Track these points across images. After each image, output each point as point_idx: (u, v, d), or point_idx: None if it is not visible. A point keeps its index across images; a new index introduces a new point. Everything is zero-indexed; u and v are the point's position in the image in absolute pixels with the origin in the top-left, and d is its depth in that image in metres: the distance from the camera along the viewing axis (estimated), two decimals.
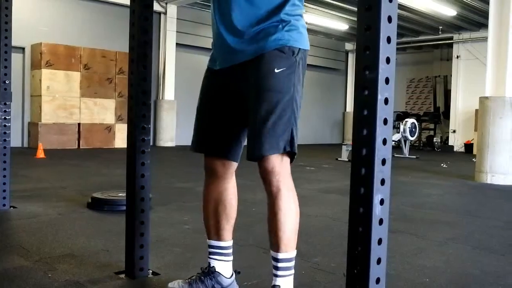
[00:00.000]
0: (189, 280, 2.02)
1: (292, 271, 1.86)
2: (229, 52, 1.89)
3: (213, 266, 2.03)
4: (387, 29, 1.21)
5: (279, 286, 1.82)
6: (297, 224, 1.83)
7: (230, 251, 2.07)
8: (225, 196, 2.04)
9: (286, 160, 1.80)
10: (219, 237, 2.05)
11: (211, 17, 1.97)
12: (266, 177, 1.80)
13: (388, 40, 1.22)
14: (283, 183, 1.79)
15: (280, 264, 1.82)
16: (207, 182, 2.08)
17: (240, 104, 1.94)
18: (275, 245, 1.82)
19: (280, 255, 1.81)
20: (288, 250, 1.82)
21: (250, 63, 1.84)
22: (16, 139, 9.83)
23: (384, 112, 1.23)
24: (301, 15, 1.90)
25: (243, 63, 1.86)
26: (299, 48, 1.84)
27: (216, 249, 2.05)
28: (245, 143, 2.00)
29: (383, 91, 1.22)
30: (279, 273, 1.82)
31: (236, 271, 2.10)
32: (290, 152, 1.79)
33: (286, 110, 1.77)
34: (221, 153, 2.00)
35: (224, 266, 2.04)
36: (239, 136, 2.00)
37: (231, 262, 2.07)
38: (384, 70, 1.21)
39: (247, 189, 5.34)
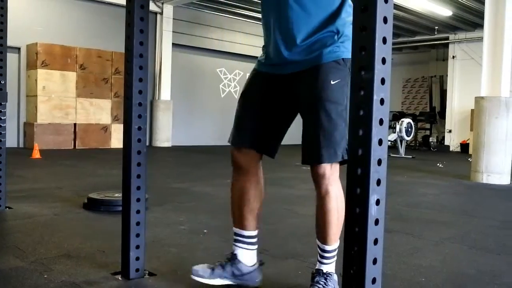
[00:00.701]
0: (212, 266, 2.12)
1: (335, 258, 2.04)
2: (285, 62, 2.01)
3: (235, 254, 2.13)
4: (383, 30, 1.21)
5: (322, 270, 2.02)
6: (342, 221, 1.96)
7: (253, 240, 2.16)
8: (249, 189, 2.14)
9: (336, 165, 1.96)
10: (242, 226, 2.15)
11: (265, 25, 2.08)
12: (317, 180, 1.97)
13: (384, 40, 1.22)
14: (331, 186, 1.96)
15: (326, 254, 2.02)
16: (234, 174, 2.19)
17: (288, 108, 2.09)
18: (322, 238, 2.01)
19: (327, 247, 2.01)
20: (333, 243, 2.01)
21: (306, 72, 1.97)
22: (11, 140, 9.79)
23: (380, 112, 1.23)
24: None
25: (299, 72, 1.99)
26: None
27: (239, 237, 2.16)
28: (279, 142, 2.18)
29: (379, 92, 1.22)
30: (324, 261, 2.03)
31: (261, 262, 2.19)
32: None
33: (341, 120, 1.91)
34: (251, 144, 2.10)
35: (246, 254, 2.13)
36: (279, 136, 2.15)
37: (255, 251, 2.16)
38: (380, 70, 1.22)
39: None
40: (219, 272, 2.08)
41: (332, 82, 1.91)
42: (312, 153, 1.93)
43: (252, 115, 2.11)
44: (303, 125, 2.00)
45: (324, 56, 1.94)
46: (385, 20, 1.22)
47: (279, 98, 2.08)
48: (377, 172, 1.24)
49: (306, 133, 1.98)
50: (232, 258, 2.12)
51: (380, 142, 1.24)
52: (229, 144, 2.16)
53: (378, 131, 1.23)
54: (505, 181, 6.75)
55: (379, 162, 1.24)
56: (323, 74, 1.93)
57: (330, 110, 1.90)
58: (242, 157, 2.12)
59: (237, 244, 2.15)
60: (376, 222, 1.25)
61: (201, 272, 2.08)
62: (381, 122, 1.23)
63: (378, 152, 1.24)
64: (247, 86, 2.17)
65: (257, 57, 2.24)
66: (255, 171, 2.15)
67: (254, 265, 2.14)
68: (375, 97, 1.22)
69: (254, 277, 2.13)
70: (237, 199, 2.17)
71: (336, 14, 1.95)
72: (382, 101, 1.23)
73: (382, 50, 1.22)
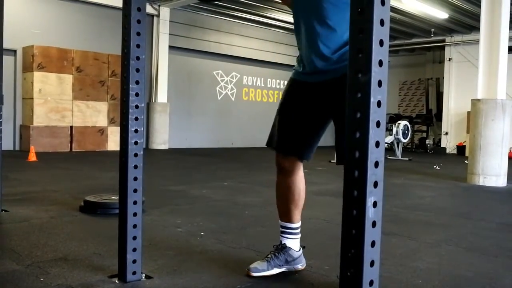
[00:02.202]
0: (266, 258, 2.41)
1: None
2: (318, 73, 2.27)
3: (284, 243, 2.44)
4: (380, 32, 1.22)
5: None
6: None
7: (298, 230, 2.48)
8: (294, 187, 2.44)
9: None
10: (289, 220, 2.45)
11: (298, 39, 2.35)
12: None
13: (381, 43, 1.22)
14: None
15: None
16: (279, 175, 2.47)
17: (322, 114, 2.32)
18: None
19: None
20: None
21: (337, 80, 2.18)
22: (7, 142, 9.76)
23: (376, 115, 1.23)
24: None
25: (331, 80, 2.22)
26: None
27: (287, 229, 2.46)
28: (316, 146, 2.43)
29: (376, 94, 1.23)
30: None
31: (303, 246, 2.51)
32: None
33: None
34: (298, 154, 2.39)
35: (293, 243, 2.45)
36: (315, 140, 2.40)
37: (298, 240, 2.48)
38: (377, 73, 1.22)
39: (239, 191, 5.34)
40: (275, 262, 2.39)
41: None
42: None
43: (293, 124, 2.37)
44: (336, 129, 2.24)
45: None
46: (382, 22, 1.22)
47: (314, 105, 2.31)
48: (374, 174, 1.24)
49: (341, 136, 2.19)
50: (283, 247, 2.43)
51: (377, 144, 1.24)
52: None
53: (375, 134, 1.23)
54: (501, 183, 6.76)
55: (376, 164, 1.25)
56: None
57: None
58: (286, 161, 2.41)
59: (285, 235, 2.46)
60: (374, 224, 1.25)
61: (260, 268, 2.37)
62: (378, 124, 1.24)
63: (375, 154, 1.24)
64: (285, 95, 2.42)
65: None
66: (297, 171, 2.44)
67: (299, 250, 2.47)
68: (372, 99, 1.22)
69: (302, 260, 2.48)
70: (283, 197, 2.46)
71: None
72: (379, 104, 1.23)
73: (379, 53, 1.22)
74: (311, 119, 2.34)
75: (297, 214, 2.46)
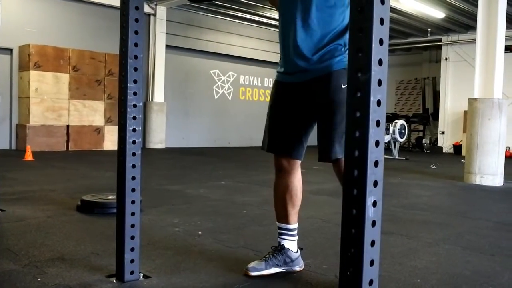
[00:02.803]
0: (264, 258, 2.41)
1: None
2: (298, 72, 2.30)
3: (283, 244, 2.44)
4: (380, 31, 1.21)
5: None
6: None
7: (296, 232, 2.48)
8: (291, 188, 2.44)
9: None
10: (286, 221, 2.46)
11: (280, 39, 2.37)
12: (341, 175, 2.19)
13: (381, 42, 1.22)
14: None
15: None
16: (277, 176, 2.48)
17: (306, 113, 2.34)
18: None
19: None
20: None
21: (319, 79, 2.24)
22: (3, 142, 9.72)
23: (376, 114, 1.23)
24: None
25: (312, 79, 2.26)
26: None
27: (284, 230, 2.47)
28: (307, 144, 2.43)
29: (376, 93, 1.22)
30: None
31: (300, 248, 2.51)
32: None
33: None
34: (288, 153, 2.40)
35: (291, 244, 2.46)
36: (303, 139, 2.40)
37: (296, 241, 2.48)
38: (377, 72, 1.22)
39: (236, 191, 5.34)
40: (273, 262, 2.39)
41: (343, 86, 2.16)
42: (330, 151, 2.20)
43: (281, 124, 2.40)
44: (319, 126, 2.29)
45: (334, 65, 2.22)
46: (381, 21, 1.22)
47: (297, 105, 2.33)
48: (374, 173, 1.24)
49: (323, 133, 2.25)
50: (281, 249, 2.43)
51: (377, 143, 1.24)
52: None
53: (375, 133, 1.23)
54: (498, 182, 6.77)
55: (376, 163, 1.24)
56: (335, 80, 2.20)
57: (342, 111, 2.10)
58: (283, 161, 2.42)
59: (283, 237, 2.46)
60: (373, 223, 1.25)
61: (258, 267, 2.37)
62: (378, 123, 1.23)
63: (375, 153, 1.23)
64: (272, 97, 2.46)
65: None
66: (295, 172, 2.45)
67: (297, 251, 2.47)
68: (372, 98, 1.22)
69: (300, 261, 2.49)
70: (280, 198, 2.46)
71: (344, 31, 2.23)
72: (379, 103, 1.23)
73: (379, 52, 1.22)
74: (296, 119, 2.36)
75: (294, 215, 2.46)
